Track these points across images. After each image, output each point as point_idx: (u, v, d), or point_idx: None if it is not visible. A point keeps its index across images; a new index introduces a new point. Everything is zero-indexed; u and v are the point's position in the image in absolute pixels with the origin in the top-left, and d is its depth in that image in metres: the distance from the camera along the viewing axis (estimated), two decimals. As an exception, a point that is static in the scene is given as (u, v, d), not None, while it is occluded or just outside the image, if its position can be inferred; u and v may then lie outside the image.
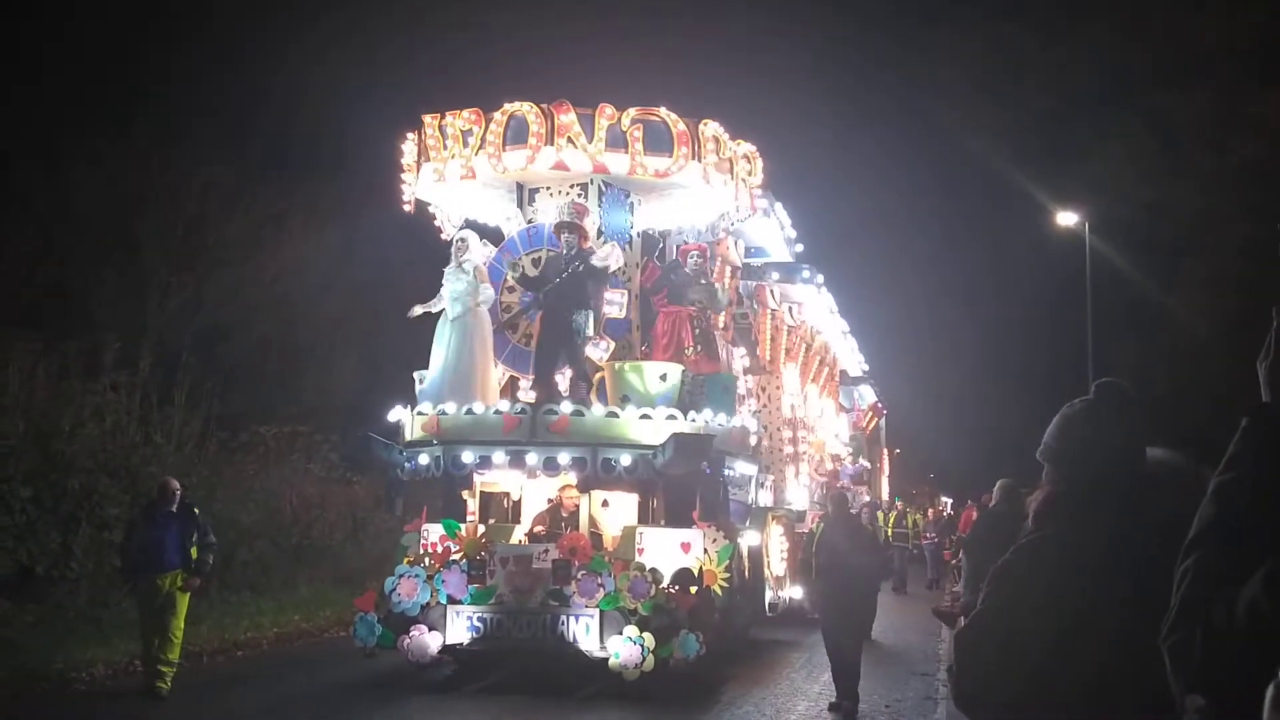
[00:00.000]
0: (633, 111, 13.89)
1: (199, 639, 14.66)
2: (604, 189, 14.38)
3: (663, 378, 13.40)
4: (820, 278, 19.22)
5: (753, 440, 15.48)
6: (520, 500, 14.10)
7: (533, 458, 12.46)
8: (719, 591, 12.67)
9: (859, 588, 11.54)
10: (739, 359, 16.83)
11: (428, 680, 12.67)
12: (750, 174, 14.92)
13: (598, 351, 13.91)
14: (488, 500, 13.94)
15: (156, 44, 28.80)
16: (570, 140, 13.82)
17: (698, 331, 14.59)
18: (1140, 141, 32.41)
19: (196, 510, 12.23)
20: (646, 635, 11.79)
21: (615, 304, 14.20)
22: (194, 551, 11.88)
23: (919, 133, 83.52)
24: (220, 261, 27.38)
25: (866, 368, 29.27)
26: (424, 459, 12.91)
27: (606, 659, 11.81)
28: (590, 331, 13.60)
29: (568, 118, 13.86)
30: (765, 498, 17.26)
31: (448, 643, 12.21)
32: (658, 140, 13.87)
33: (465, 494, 13.33)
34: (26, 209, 25.26)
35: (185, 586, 11.81)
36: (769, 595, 15.58)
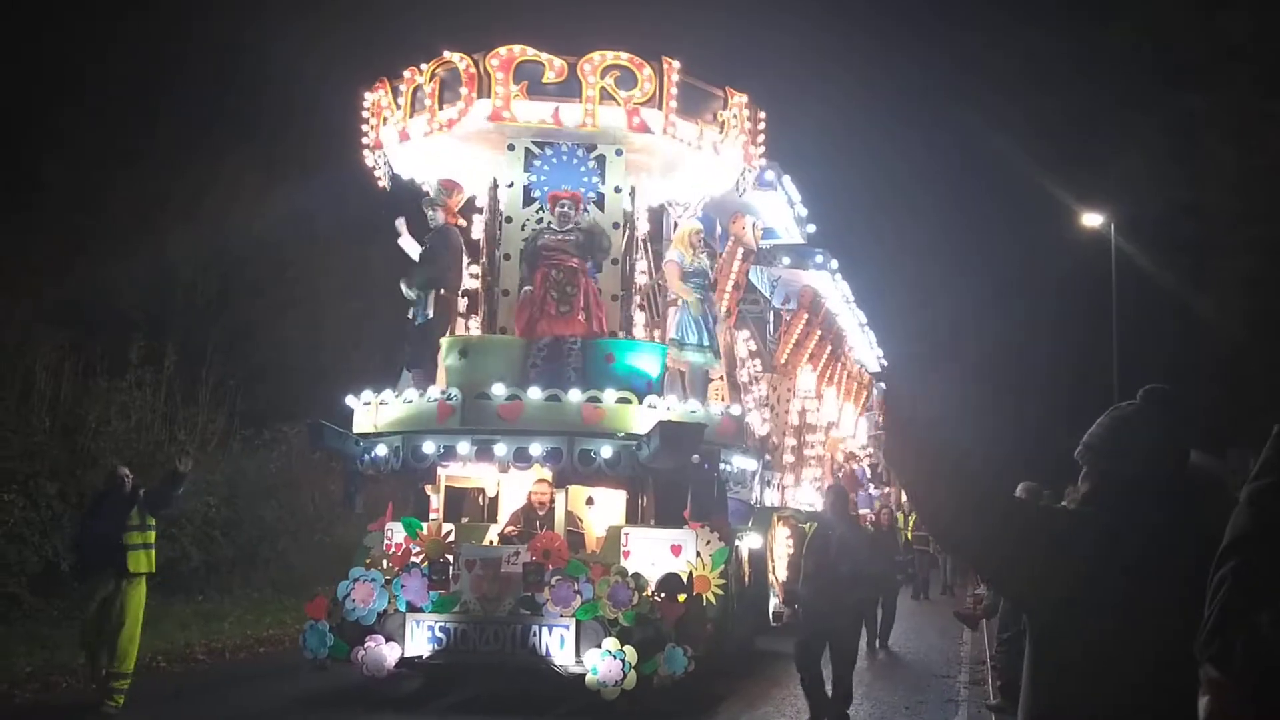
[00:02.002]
0: (427, 66, 12.01)
1: (221, 635, 14.20)
2: (535, 151, 12.20)
3: (462, 353, 11.23)
4: (834, 263, 17.03)
5: (761, 430, 13.41)
6: (497, 497, 12.13)
7: (501, 449, 10.45)
8: (712, 600, 10.64)
9: (847, 600, 9.49)
10: (742, 342, 14.81)
11: (389, 695, 10.70)
12: (636, 85, 11.56)
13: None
14: (460, 497, 11.99)
15: (167, 41, 27.26)
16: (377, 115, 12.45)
17: (556, 293, 11.31)
18: (1167, 141, 30.81)
19: (142, 491, 10.25)
20: (628, 649, 9.82)
21: (474, 278, 12.15)
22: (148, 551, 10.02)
23: (942, 131, 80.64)
24: (245, 260, 26.16)
25: (886, 363, 26.75)
26: (381, 450, 10.94)
27: (583, 675, 9.82)
28: (430, 311, 11.77)
29: (374, 95, 12.56)
30: (772, 497, 15.20)
31: (406, 655, 10.23)
32: (452, 86, 11.91)
33: (428, 489, 11.23)
34: (53, 206, 24.12)
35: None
36: (774, 603, 13.48)
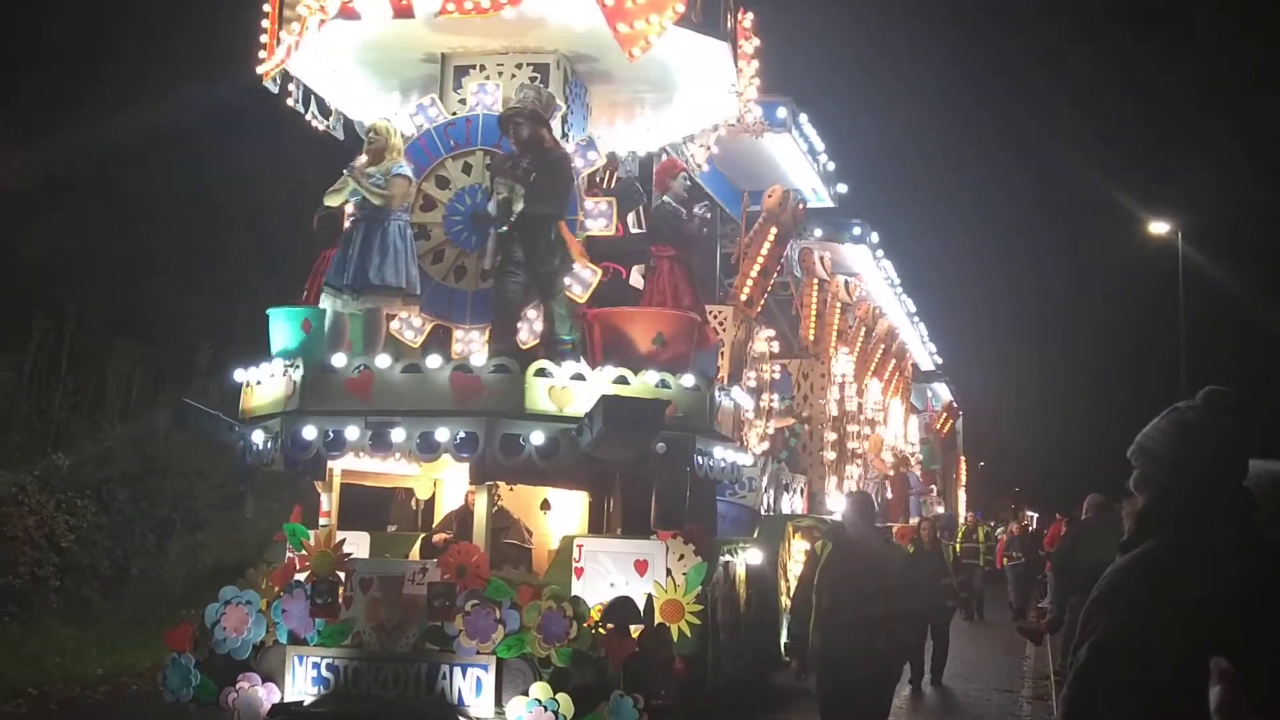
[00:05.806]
0: None
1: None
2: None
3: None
4: (875, 236, 13.40)
5: (752, 419, 10.06)
6: (433, 499, 8.99)
7: (400, 435, 7.26)
8: (686, 631, 7.39)
9: (879, 647, 6.08)
10: (763, 341, 11.52)
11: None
12: None
13: None
14: (386, 499, 8.86)
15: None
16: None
17: None
18: (1237, 146, 27.34)
19: None
20: (562, 697, 6.66)
21: None
22: None
23: (1011, 137, 75.99)
24: (304, 268, 23.91)
25: (940, 361, 22.66)
26: (259, 436, 7.84)
27: (506, 731, 6.69)
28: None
29: None
30: (795, 504, 11.76)
31: (285, 700, 7.15)
32: None
33: (318, 486, 8.01)
34: (124, 218, 22.33)
35: None
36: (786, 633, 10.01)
